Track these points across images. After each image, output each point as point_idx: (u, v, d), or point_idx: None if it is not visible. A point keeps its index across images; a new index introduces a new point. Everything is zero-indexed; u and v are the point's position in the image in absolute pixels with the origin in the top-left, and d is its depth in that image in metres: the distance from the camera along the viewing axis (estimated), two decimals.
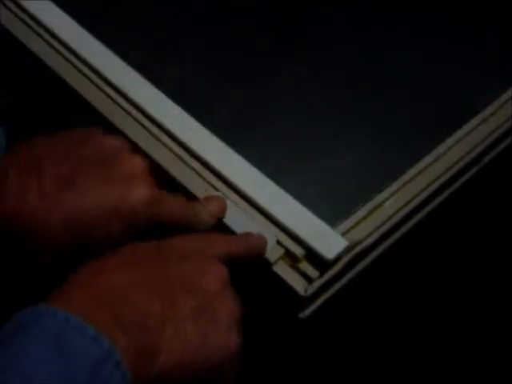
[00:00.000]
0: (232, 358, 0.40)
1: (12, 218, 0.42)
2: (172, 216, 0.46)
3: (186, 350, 0.38)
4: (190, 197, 0.50)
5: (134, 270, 0.39)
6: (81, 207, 0.42)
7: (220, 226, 0.48)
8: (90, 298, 0.36)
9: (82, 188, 0.43)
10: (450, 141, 0.55)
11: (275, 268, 0.47)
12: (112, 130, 0.54)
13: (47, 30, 0.60)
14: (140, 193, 0.44)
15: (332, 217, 0.50)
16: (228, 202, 0.49)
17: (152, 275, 0.39)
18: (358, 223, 0.50)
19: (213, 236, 0.45)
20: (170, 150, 0.53)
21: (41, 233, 0.42)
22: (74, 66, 0.58)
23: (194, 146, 0.52)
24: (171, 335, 0.37)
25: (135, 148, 0.51)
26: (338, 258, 0.47)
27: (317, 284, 0.47)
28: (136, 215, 0.44)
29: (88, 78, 0.57)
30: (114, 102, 0.56)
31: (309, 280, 0.47)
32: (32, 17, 0.61)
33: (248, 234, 0.47)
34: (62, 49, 0.59)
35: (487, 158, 0.58)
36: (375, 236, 0.50)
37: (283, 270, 0.47)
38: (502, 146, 0.59)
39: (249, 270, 0.48)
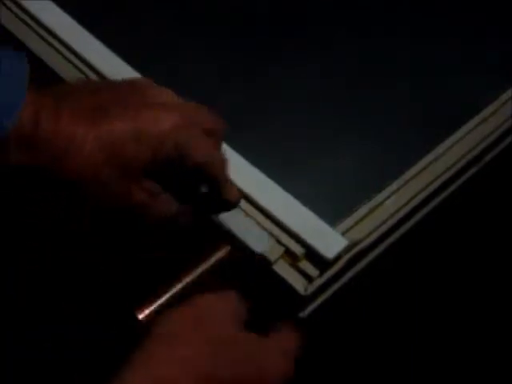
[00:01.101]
0: None
1: (52, 138, 0.42)
2: (198, 151, 0.44)
3: None
4: None
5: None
6: (112, 129, 0.42)
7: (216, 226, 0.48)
8: None
9: (114, 114, 0.43)
10: (449, 141, 0.55)
11: (275, 267, 0.47)
12: None
13: (47, 30, 0.60)
14: (170, 118, 0.44)
15: (332, 216, 0.50)
16: None
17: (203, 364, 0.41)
18: (358, 222, 0.50)
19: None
20: None
21: (79, 150, 0.42)
22: (74, 66, 0.58)
23: None
24: None
25: None
26: (338, 257, 0.47)
27: (317, 283, 0.47)
28: (163, 139, 0.43)
29: (88, 77, 0.57)
30: None
31: (309, 279, 0.46)
32: (32, 17, 0.61)
33: None
34: (62, 49, 0.59)
35: (487, 158, 0.58)
36: (375, 235, 0.50)
37: (283, 269, 0.47)
38: (502, 145, 0.59)
39: (249, 269, 0.48)
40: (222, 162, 0.46)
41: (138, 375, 0.39)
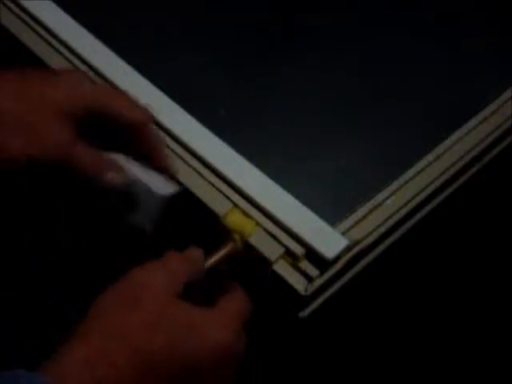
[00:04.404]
0: None
1: None
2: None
3: None
4: (190, 196, 0.50)
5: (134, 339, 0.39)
6: None
7: None
8: (85, 369, 0.37)
9: None
10: (450, 141, 0.56)
11: (275, 267, 0.47)
12: None
13: (47, 30, 0.60)
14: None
15: (332, 216, 0.50)
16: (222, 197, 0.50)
17: (153, 349, 0.39)
18: (358, 222, 0.50)
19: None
20: (171, 149, 0.53)
21: None
22: (74, 66, 0.58)
23: (195, 145, 0.52)
24: None
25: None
26: (339, 257, 0.47)
27: (317, 283, 0.47)
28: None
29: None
30: None
31: (309, 279, 0.46)
32: (32, 17, 0.61)
33: None
34: (62, 49, 0.59)
35: (487, 158, 0.58)
36: (375, 235, 0.50)
37: (283, 269, 0.47)
38: (502, 145, 0.59)
39: (249, 269, 0.48)
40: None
41: (74, 350, 0.38)
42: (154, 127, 0.49)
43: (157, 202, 0.45)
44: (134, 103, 0.48)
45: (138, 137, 0.47)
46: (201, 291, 0.44)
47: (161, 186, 0.46)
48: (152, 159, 0.48)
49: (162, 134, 0.51)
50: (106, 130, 0.47)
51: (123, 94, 0.49)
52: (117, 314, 0.40)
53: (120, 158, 0.46)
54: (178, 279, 0.42)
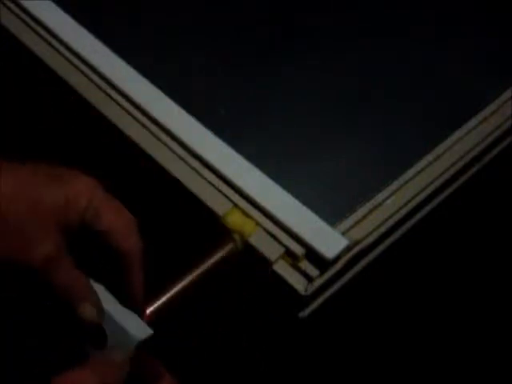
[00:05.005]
0: None
1: None
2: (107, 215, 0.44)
3: None
4: (190, 196, 0.50)
5: None
6: None
7: None
8: None
9: None
10: (449, 141, 0.56)
11: (275, 267, 0.47)
12: (109, 127, 0.54)
13: (47, 30, 0.60)
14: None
15: (332, 216, 0.50)
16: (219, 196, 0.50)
17: None
18: (358, 222, 0.50)
19: None
20: (171, 149, 0.53)
21: None
22: (74, 66, 0.58)
23: (195, 145, 0.52)
24: None
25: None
26: (339, 257, 0.47)
27: (317, 283, 0.47)
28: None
29: (88, 77, 0.57)
30: (114, 101, 0.56)
31: (309, 279, 0.46)
32: (32, 17, 0.61)
33: None
34: (62, 49, 0.59)
35: (487, 158, 0.58)
36: (375, 235, 0.50)
37: (283, 269, 0.47)
38: (502, 145, 0.59)
39: (249, 269, 0.48)
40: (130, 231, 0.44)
41: None
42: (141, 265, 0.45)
43: (129, 344, 0.43)
44: (132, 229, 0.45)
45: (125, 268, 0.45)
46: None
47: (135, 327, 0.44)
48: (129, 297, 0.45)
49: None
50: (96, 245, 0.45)
51: (126, 218, 0.45)
52: None
53: (100, 290, 0.45)
54: None
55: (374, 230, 0.50)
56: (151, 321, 0.43)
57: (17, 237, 0.42)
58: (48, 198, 0.42)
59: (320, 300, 0.48)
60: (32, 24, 0.61)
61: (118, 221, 0.44)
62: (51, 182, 0.43)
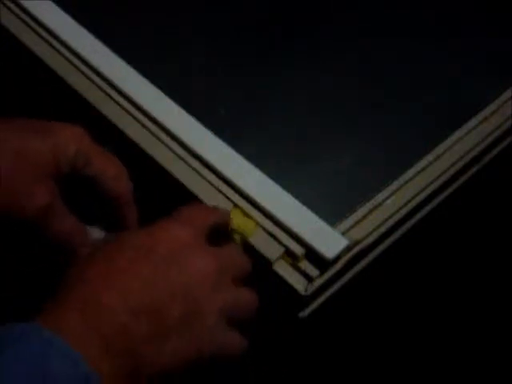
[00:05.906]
0: (221, 352, 0.40)
1: None
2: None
3: (172, 360, 0.38)
4: (190, 196, 0.50)
5: (120, 281, 0.38)
6: None
7: None
8: (79, 316, 0.36)
9: None
10: (449, 141, 0.56)
11: (275, 267, 0.47)
12: (110, 127, 0.54)
13: (47, 30, 0.60)
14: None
15: (332, 216, 0.50)
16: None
17: (139, 287, 0.38)
18: (358, 222, 0.50)
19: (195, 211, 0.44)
20: (171, 149, 0.53)
21: None
22: (74, 66, 0.58)
23: (195, 145, 0.52)
24: (157, 352, 0.37)
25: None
26: (339, 257, 0.47)
27: (317, 283, 0.47)
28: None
29: (88, 77, 0.57)
30: (114, 101, 0.56)
31: (309, 279, 0.46)
32: (32, 17, 0.61)
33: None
34: (62, 49, 0.59)
35: (487, 158, 0.58)
36: (375, 235, 0.50)
37: (283, 269, 0.47)
38: (502, 145, 0.59)
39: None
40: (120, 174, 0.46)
41: (71, 295, 0.37)
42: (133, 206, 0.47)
43: None
44: (122, 173, 0.46)
45: (117, 211, 0.46)
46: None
47: None
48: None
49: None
50: (89, 189, 0.46)
51: (115, 163, 0.47)
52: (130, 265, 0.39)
53: (95, 232, 0.45)
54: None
55: (374, 230, 0.50)
56: None
57: (7, 189, 0.42)
58: (36, 148, 0.43)
59: (320, 300, 0.48)
60: (32, 24, 0.61)
61: (108, 165, 0.46)
62: (39, 133, 0.44)
